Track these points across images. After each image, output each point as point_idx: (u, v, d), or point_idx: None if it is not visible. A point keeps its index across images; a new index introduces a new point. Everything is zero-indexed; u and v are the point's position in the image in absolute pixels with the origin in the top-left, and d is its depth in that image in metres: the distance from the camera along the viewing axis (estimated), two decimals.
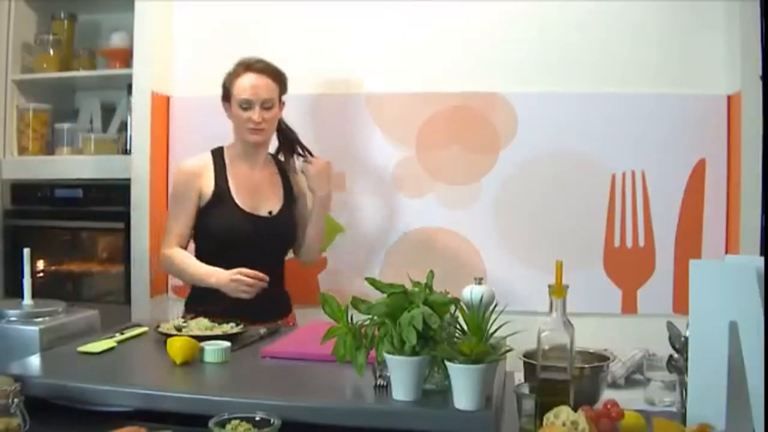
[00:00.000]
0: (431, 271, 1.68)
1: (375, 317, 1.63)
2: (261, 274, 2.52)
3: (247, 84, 2.69)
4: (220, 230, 2.67)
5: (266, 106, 2.69)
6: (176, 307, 3.35)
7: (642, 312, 3.10)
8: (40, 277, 3.51)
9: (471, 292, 1.67)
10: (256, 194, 2.74)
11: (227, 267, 2.54)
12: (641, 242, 3.10)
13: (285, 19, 3.32)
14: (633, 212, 3.10)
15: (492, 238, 3.17)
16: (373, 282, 1.67)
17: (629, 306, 3.10)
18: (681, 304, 3.06)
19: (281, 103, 2.79)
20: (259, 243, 2.64)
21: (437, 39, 3.21)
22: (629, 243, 3.10)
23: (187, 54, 3.41)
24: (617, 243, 3.11)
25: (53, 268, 3.58)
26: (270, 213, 2.73)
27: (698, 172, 3.04)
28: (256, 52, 3.31)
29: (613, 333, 2.88)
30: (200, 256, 2.69)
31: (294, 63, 3.26)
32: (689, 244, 3.05)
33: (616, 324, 3.09)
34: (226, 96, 2.76)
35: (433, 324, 1.55)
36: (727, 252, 2.99)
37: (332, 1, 3.27)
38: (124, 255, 3.36)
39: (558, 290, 1.59)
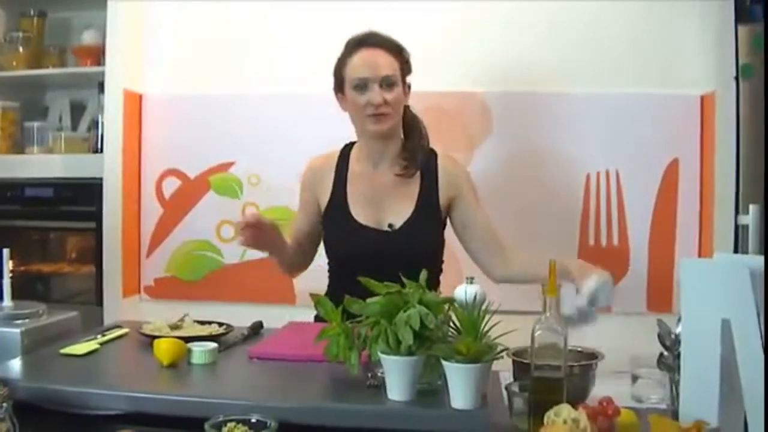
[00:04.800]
0: (425, 271, 1.68)
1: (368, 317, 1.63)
2: (251, 220, 2.16)
3: (361, 61, 2.29)
4: (335, 246, 2.38)
5: (387, 83, 2.27)
6: (148, 307, 3.33)
7: (616, 310, 3.12)
8: (9, 277, 3.44)
9: (465, 292, 1.67)
10: (379, 203, 2.35)
11: (350, 283, 2.08)
12: (615, 241, 3.13)
13: (261, 18, 3.31)
14: (607, 211, 3.13)
15: None
16: (366, 282, 1.66)
17: None
18: (654, 302, 3.10)
19: (406, 86, 2.38)
20: (378, 260, 2.09)
21: (412, 38, 3.18)
22: (603, 242, 3.14)
23: (159, 52, 3.39)
24: (591, 242, 3.14)
25: (22, 268, 3.52)
26: (390, 226, 2.32)
27: (671, 171, 3.09)
28: (231, 50, 3.33)
29: (587, 330, 2.91)
30: (329, 268, 2.48)
31: (269, 62, 3.27)
32: (662, 243, 3.10)
33: None
34: (339, 85, 2.37)
35: (430, 324, 1.55)
36: (700, 251, 3.04)
37: (309, 2, 3.25)
38: (95, 255, 3.32)
39: (551, 289, 1.60)
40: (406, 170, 2.36)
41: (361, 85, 2.28)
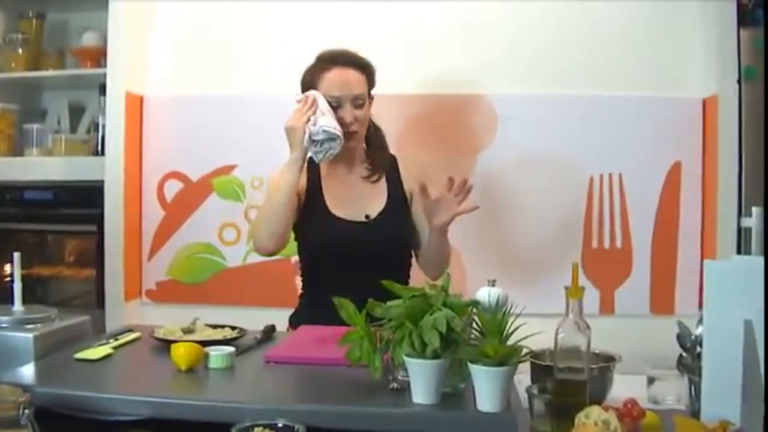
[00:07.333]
0: (448, 274, 1.69)
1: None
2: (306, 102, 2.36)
3: (335, 79, 2.40)
4: (312, 240, 2.46)
5: (359, 102, 2.41)
6: (150, 311, 3.31)
7: (619, 312, 3.15)
8: (8, 281, 3.42)
9: (489, 294, 1.67)
10: (352, 198, 2.48)
11: (327, 280, 2.41)
12: (618, 243, 3.14)
13: (262, 20, 3.29)
14: (610, 214, 3.15)
15: (471, 240, 3.16)
16: (390, 285, 1.66)
17: (607, 306, 3.15)
18: (657, 304, 3.12)
19: (371, 99, 2.51)
20: (356, 251, 2.36)
21: (418, 40, 3.20)
22: (607, 244, 3.15)
23: (160, 53, 3.37)
24: (595, 244, 3.15)
25: (22, 272, 3.49)
26: (367, 217, 2.46)
27: (674, 174, 3.10)
28: (233, 52, 3.32)
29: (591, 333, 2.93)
30: (303, 269, 2.55)
31: (271, 64, 3.26)
32: (665, 246, 3.11)
33: (593, 324, 3.11)
34: None
35: (456, 326, 1.55)
36: (703, 254, 3.05)
37: (311, 2, 3.24)
38: (96, 258, 3.30)
39: (574, 291, 1.60)
40: (370, 175, 2.53)
41: (334, 104, 2.39)
